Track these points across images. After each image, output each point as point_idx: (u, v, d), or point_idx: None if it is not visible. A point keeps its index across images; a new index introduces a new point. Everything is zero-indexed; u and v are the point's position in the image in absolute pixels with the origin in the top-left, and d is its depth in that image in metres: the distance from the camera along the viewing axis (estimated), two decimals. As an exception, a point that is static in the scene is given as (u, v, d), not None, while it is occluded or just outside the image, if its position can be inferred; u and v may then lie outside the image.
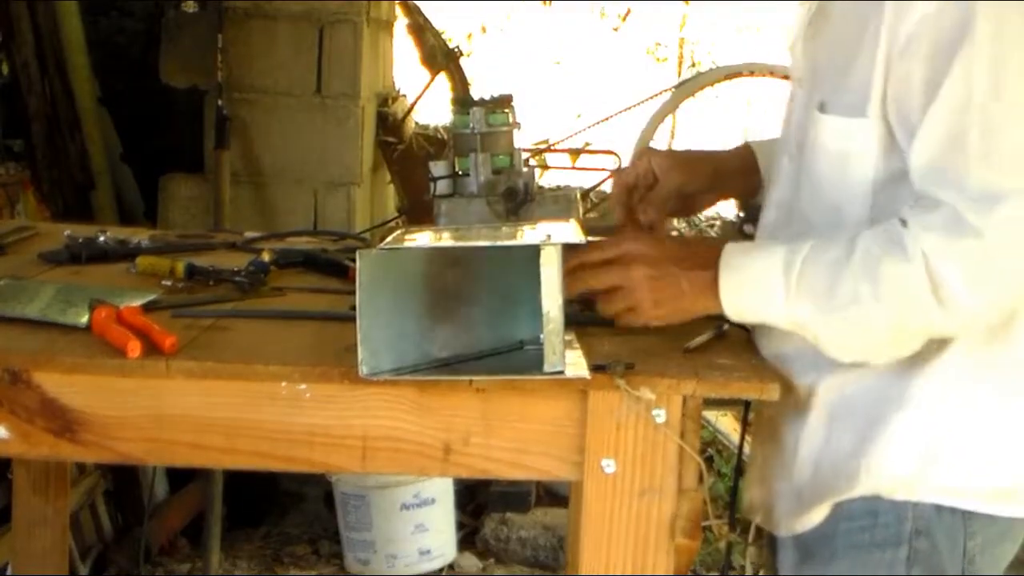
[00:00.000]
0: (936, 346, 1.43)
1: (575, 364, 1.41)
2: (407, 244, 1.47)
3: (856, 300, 1.37)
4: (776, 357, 1.52)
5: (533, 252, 1.39)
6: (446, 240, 1.59)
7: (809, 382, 1.51)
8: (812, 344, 1.44)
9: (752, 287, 1.43)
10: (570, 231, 1.47)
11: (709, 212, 6.34)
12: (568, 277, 1.43)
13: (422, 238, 1.57)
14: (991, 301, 1.36)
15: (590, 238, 1.51)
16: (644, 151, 1.81)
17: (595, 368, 1.40)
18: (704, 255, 1.47)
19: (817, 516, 1.50)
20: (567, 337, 1.42)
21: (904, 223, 1.37)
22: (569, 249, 1.42)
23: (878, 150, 1.43)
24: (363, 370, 1.37)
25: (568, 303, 1.42)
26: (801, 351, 1.48)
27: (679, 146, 7.67)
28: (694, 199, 1.78)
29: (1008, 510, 1.48)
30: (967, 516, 1.46)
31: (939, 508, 1.46)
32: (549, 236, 1.41)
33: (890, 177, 1.43)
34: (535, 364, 1.40)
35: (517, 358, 1.48)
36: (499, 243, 1.51)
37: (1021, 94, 1.34)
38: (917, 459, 1.45)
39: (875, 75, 1.40)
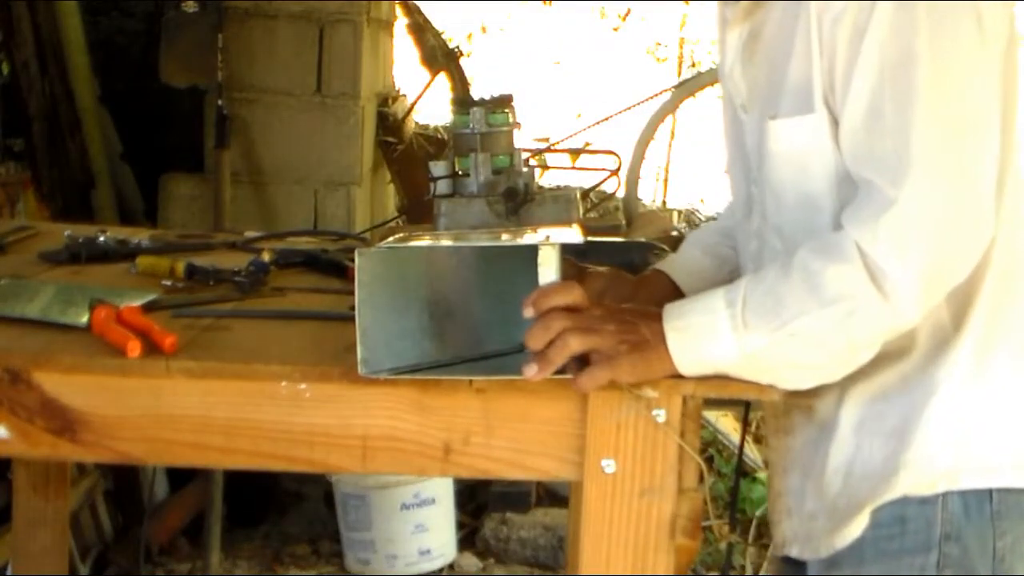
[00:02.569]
0: (951, 330, 1.44)
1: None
2: (406, 244, 1.47)
3: (803, 312, 1.35)
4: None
5: (532, 254, 1.39)
6: (445, 241, 1.59)
7: (833, 399, 1.50)
8: (770, 383, 1.40)
9: (699, 330, 1.38)
10: (569, 233, 1.47)
11: (709, 212, 6.35)
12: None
13: (427, 239, 1.57)
14: (921, 272, 1.33)
15: (589, 238, 1.51)
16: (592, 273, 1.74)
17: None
18: (654, 313, 1.41)
19: (857, 527, 1.48)
20: None
21: (839, 227, 1.37)
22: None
23: (832, 141, 1.42)
24: (362, 369, 1.37)
25: None
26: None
27: (677, 148, 7.68)
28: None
29: None
30: (996, 515, 1.45)
31: (967, 509, 1.45)
32: (548, 237, 1.41)
33: (846, 171, 1.43)
34: None
35: (516, 359, 1.48)
36: (495, 243, 1.51)
37: (931, 59, 1.33)
38: (954, 446, 1.44)
39: (813, 69, 1.41)
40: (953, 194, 1.34)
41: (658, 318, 1.39)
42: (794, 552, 1.58)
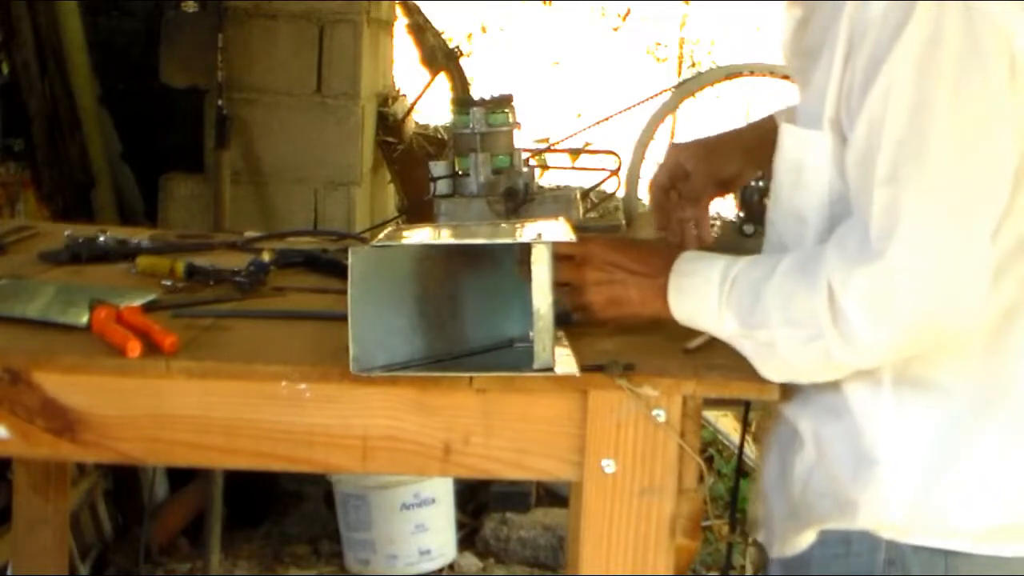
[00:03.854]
0: (935, 378, 1.36)
1: (565, 361, 1.42)
2: (398, 241, 1.48)
3: (766, 324, 1.35)
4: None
5: (524, 250, 1.39)
6: (439, 237, 1.59)
7: (795, 406, 1.47)
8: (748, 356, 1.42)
9: (693, 293, 1.43)
10: (561, 230, 1.47)
11: (709, 212, 6.35)
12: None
13: (417, 235, 1.57)
14: (892, 332, 1.28)
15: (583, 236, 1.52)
16: (671, 147, 1.77)
17: (595, 368, 1.40)
18: (658, 263, 1.47)
19: (804, 541, 1.46)
20: (557, 335, 1.42)
21: (831, 241, 1.33)
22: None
23: (831, 164, 1.38)
24: (354, 366, 1.37)
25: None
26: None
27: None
28: (730, 182, 1.76)
29: (1006, 549, 1.37)
30: (949, 554, 1.38)
31: (916, 549, 1.38)
32: (540, 234, 1.42)
33: (846, 194, 1.37)
34: (525, 361, 1.40)
35: (507, 355, 1.49)
36: (488, 241, 1.51)
37: (943, 106, 1.25)
38: (912, 502, 1.37)
39: (830, 86, 1.35)
40: (945, 258, 1.25)
41: (659, 270, 1.45)
42: (760, 537, 1.58)
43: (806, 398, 1.45)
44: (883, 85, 1.27)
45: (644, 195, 3.93)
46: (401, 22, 4.57)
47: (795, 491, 1.48)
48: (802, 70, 1.47)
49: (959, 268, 1.26)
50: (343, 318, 1.38)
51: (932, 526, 1.38)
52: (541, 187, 3.75)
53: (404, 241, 1.49)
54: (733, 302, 1.39)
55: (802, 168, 1.43)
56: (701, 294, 1.42)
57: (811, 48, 1.43)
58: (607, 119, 4.19)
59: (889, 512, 1.38)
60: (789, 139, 1.45)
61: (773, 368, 1.40)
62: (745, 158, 1.73)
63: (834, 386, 1.40)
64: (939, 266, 1.25)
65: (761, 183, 1.86)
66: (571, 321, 1.53)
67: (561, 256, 1.47)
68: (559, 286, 1.46)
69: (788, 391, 1.45)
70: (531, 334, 1.40)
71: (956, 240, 1.25)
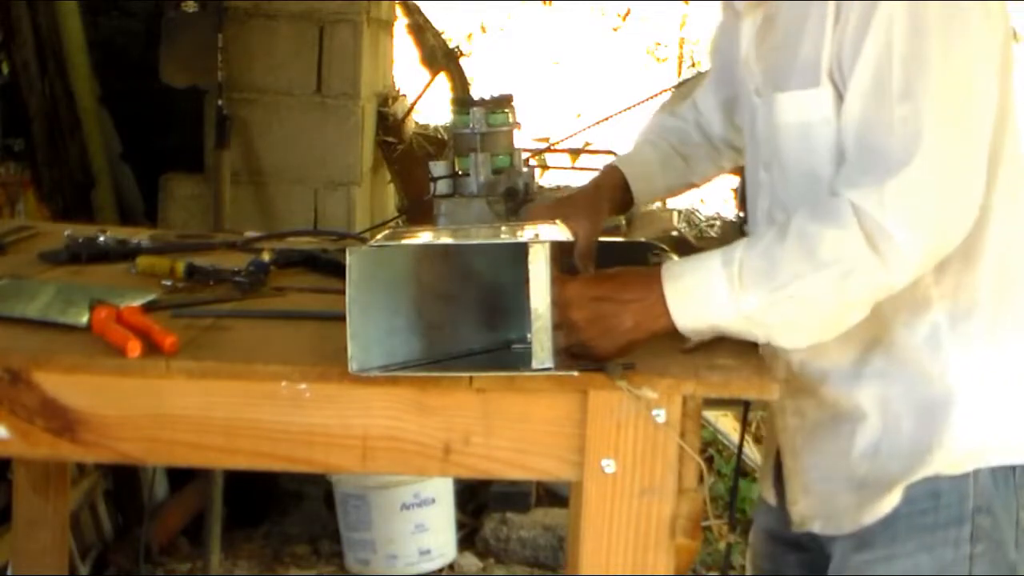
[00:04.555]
0: (963, 311, 1.49)
1: (563, 362, 1.42)
2: (397, 242, 1.48)
3: (798, 275, 1.39)
4: (811, 370, 1.57)
5: (521, 251, 1.39)
6: (438, 238, 1.60)
7: (846, 383, 1.55)
8: (765, 341, 1.46)
9: (696, 291, 1.43)
10: (558, 232, 1.48)
11: (709, 212, 6.35)
12: None
13: (420, 236, 1.57)
14: (925, 236, 1.38)
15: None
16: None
17: (595, 368, 1.40)
18: (641, 283, 1.46)
19: (887, 504, 1.53)
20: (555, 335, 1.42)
21: (832, 187, 1.41)
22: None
23: (835, 114, 1.46)
24: (352, 366, 1.37)
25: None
26: (835, 362, 1.54)
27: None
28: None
29: None
30: (1019, 487, 1.51)
31: (996, 482, 1.51)
32: (537, 235, 1.42)
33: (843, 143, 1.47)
34: (523, 362, 1.40)
35: (505, 356, 1.49)
36: (486, 241, 1.51)
37: (940, 28, 1.38)
38: (981, 426, 1.50)
39: (824, 42, 1.45)
40: (958, 165, 1.39)
41: (651, 285, 1.44)
42: (816, 528, 1.62)
43: (857, 374, 1.53)
44: (883, 17, 1.38)
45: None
46: (401, 22, 4.57)
47: (862, 467, 1.54)
48: (776, 65, 1.54)
49: (970, 174, 1.40)
50: (343, 318, 1.38)
51: (1001, 445, 1.51)
52: (541, 187, 3.75)
53: (402, 242, 1.49)
54: (748, 278, 1.40)
55: (809, 126, 1.49)
56: (706, 288, 1.42)
57: (785, 35, 1.52)
58: (607, 119, 4.19)
59: (964, 445, 1.49)
60: (789, 105, 1.51)
61: (804, 329, 1.44)
62: (610, 209, 1.81)
63: (887, 349, 1.50)
64: (957, 171, 1.39)
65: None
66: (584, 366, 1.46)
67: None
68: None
69: (817, 379, 1.54)
70: (529, 335, 1.40)
71: (967, 148, 1.40)
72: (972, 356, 1.50)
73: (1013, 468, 1.52)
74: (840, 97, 1.44)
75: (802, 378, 1.57)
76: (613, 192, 1.80)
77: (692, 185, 1.96)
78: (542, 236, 1.41)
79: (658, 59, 8.88)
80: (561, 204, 1.77)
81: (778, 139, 1.54)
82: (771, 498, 1.75)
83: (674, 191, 2.00)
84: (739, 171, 1.92)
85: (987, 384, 1.50)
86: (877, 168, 1.38)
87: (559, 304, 1.43)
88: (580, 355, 1.44)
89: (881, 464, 1.53)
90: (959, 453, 1.50)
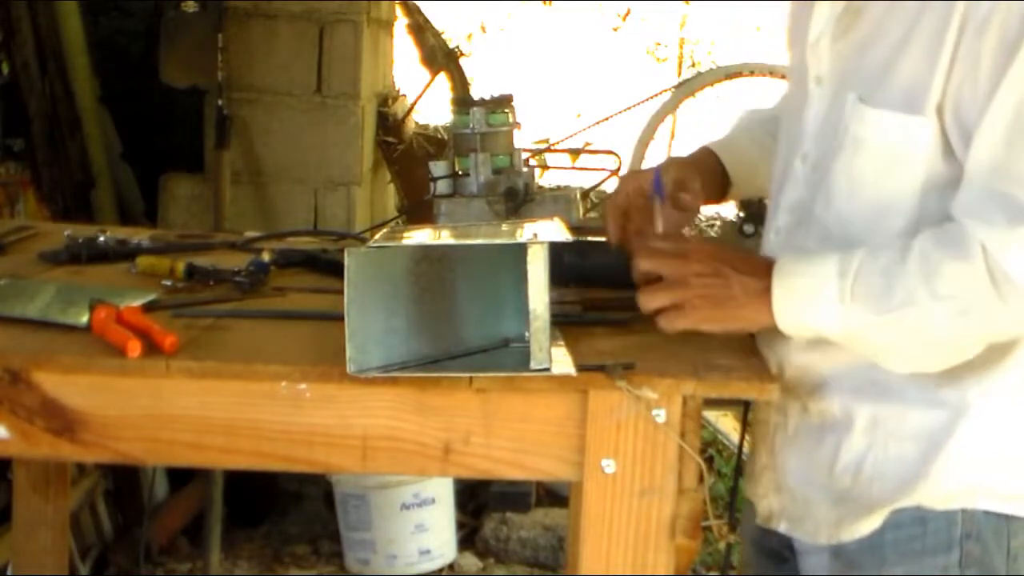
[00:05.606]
0: (996, 356, 1.42)
1: (561, 361, 1.42)
2: (395, 242, 1.48)
3: (913, 302, 1.35)
4: (810, 374, 1.52)
5: (519, 250, 1.39)
6: (437, 238, 1.60)
7: (839, 395, 1.50)
8: (864, 357, 1.43)
9: (805, 294, 1.40)
10: (557, 231, 1.48)
11: (709, 212, 6.34)
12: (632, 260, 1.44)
13: (418, 236, 1.57)
14: None
15: (592, 238, 1.52)
16: (629, 174, 1.77)
17: (595, 368, 1.40)
18: (760, 264, 1.45)
19: (868, 525, 1.49)
20: (554, 335, 1.42)
21: (961, 223, 1.35)
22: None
23: (934, 150, 1.40)
24: (351, 367, 1.37)
25: (572, 304, 1.41)
26: (839, 370, 1.49)
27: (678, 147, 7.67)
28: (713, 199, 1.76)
29: None
30: (1010, 518, 1.46)
31: (987, 513, 1.46)
32: (536, 235, 1.42)
33: (942, 181, 1.41)
34: (522, 361, 1.40)
35: (504, 356, 1.49)
36: (484, 241, 1.51)
37: None
38: (976, 470, 1.44)
39: (936, 73, 1.37)
40: None
41: (762, 272, 1.42)
42: (781, 527, 1.59)
43: (857, 387, 1.48)
44: (1022, 64, 1.31)
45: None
46: (401, 22, 4.57)
47: (844, 480, 1.50)
48: (858, 67, 1.46)
49: None
50: (343, 318, 1.38)
51: (995, 492, 1.45)
52: (541, 187, 3.75)
53: (401, 242, 1.49)
54: (861, 293, 1.37)
55: (894, 151, 1.42)
56: (817, 292, 1.39)
57: (875, 34, 1.44)
58: (607, 119, 4.20)
59: (955, 481, 1.44)
60: (884, 123, 1.42)
61: (910, 356, 1.41)
62: (706, 184, 1.73)
63: (883, 374, 1.45)
64: None
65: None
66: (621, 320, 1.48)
67: (656, 252, 1.46)
68: (652, 283, 1.44)
69: (812, 384, 1.49)
70: (527, 334, 1.40)
71: None
72: (990, 396, 1.44)
73: (1005, 516, 1.46)
74: (943, 132, 1.38)
75: (795, 380, 1.53)
76: (712, 177, 1.73)
77: None
78: (540, 236, 1.41)
79: (658, 59, 8.87)
80: (683, 164, 1.71)
81: (851, 149, 1.46)
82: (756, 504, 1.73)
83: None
84: None
85: (994, 426, 1.44)
86: (1007, 212, 1.32)
87: (679, 254, 1.44)
88: (663, 312, 1.43)
89: (864, 483, 1.49)
90: (947, 489, 1.45)
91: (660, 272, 1.45)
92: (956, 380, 1.43)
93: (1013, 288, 1.32)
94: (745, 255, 1.48)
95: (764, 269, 1.43)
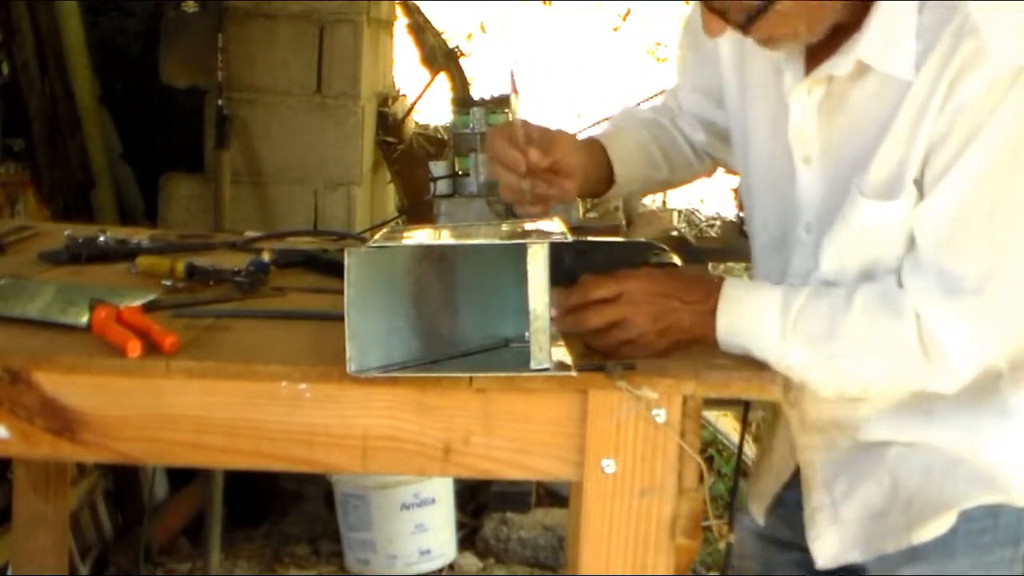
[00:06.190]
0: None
1: (561, 362, 1.42)
2: (395, 242, 1.48)
3: (848, 353, 1.43)
4: (847, 417, 1.57)
5: (519, 251, 1.39)
6: (437, 238, 1.59)
7: (897, 423, 1.56)
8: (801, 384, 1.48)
9: (748, 321, 1.46)
10: (558, 230, 1.48)
11: (709, 212, 6.35)
12: (567, 317, 1.45)
13: (418, 236, 1.57)
14: (979, 357, 1.43)
15: (590, 238, 1.52)
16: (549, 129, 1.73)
17: (595, 368, 1.40)
18: (701, 287, 1.49)
19: (941, 525, 1.54)
20: (553, 335, 1.42)
21: (900, 283, 1.43)
22: (564, 289, 1.45)
23: (910, 221, 1.46)
24: (351, 367, 1.37)
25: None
26: (879, 407, 1.55)
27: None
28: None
29: None
30: None
31: None
32: (536, 235, 1.42)
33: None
34: (521, 362, 1.40)
35: (503, 356, 1.49)
36: (484, 242, 1.51)
37: None
38: None
39: (912, 152, 1.43)
40: (1018, 298, 1.43)
41: (709, 293, 1.47)
42: (855, 558, 1.62)
43: (902, 414, 1.54)
44: (984, 145, 1.38)
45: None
46: (401, 22, 4.57)
47: (910, 485, 1.55)
48: (850, 142, 1.51)
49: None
50: (343, 318, 1.38)
51: None
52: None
53: (401, 242, 1.49)
54: (801, 333, 1.44)
55: (881, 235, 1.48)
56: (758, 322, 1.45)
57: (859, 121, 1.49)
58: (607, 119, 4.19)
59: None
60: (867, 212, 1.48)
61: (843, 390, 1.49)
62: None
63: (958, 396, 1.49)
64: (1016, 302, 1.43)
65: None
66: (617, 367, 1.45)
67: (598, 300, 1.46)
68: (601, 330, 1.45)
69: (858, 420, 1.56)
70: (527, 335, 1.40)
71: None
72: None
73: None
74: (920, 194, 1.44)
75: (838, 420, 1.58)
76: (599, 169, 1.76)
77: (668, 185, 1.95)
78: (540, 236, 1.41)
79: (658, 59, 8.87)
80: (556, 137, 1.69)
81: (848, 233, 1.51)
82: (760, 519, 1.76)
83: (649, 187, 1.98)
84: (736, 171, 1.91)
85: None
86: (947, 283, 1.41)
87: (619, 298, 1.45)
88: (617, 354, 1.45)
89: (936, 485, 1.54)
90: (1018, 485, 1.53)
91: (610, 320, 1.46)
92: (991, 392, 1.51)
93: (941, 356, 1.41)
94: (685, 281, 1.51)
95: (712, 290, 1.48)
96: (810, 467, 1.64)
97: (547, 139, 1.65)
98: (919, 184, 1.44)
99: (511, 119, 1.70)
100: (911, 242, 1.46)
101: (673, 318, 1.46)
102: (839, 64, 1.48)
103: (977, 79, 1.37)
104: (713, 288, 1.48)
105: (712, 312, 1.46)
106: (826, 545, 1.63)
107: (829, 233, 1.52)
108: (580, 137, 1.77)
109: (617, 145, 1.79)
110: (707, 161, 1.88)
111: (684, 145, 1.87)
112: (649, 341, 1.46)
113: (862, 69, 1.47)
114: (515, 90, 1.58)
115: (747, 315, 1.46)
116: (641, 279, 1.48)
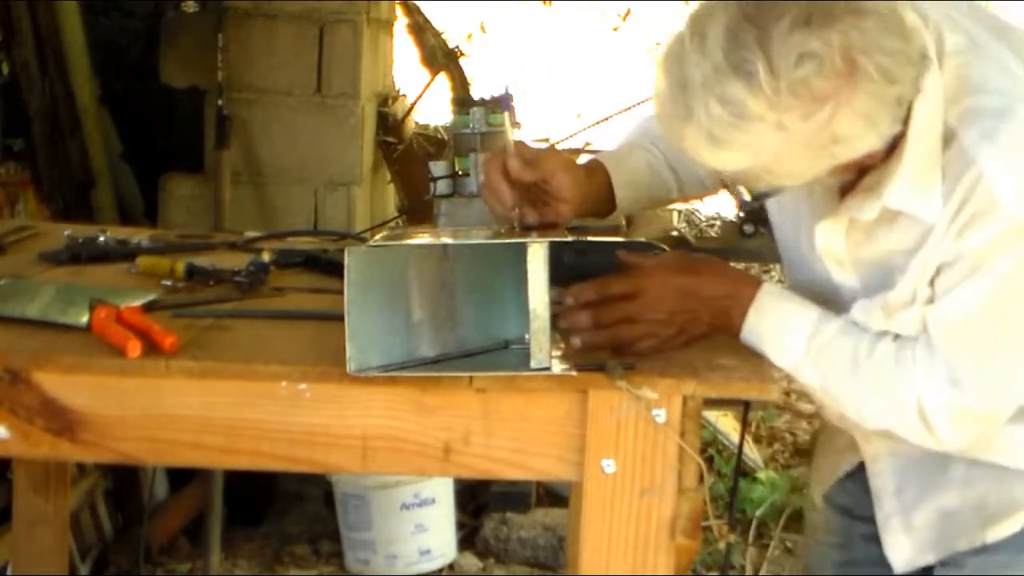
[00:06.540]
0: None
1: (561, 361, 1.42)
2: (395, 242, 1.48)
3: (854, 394, 1.49)
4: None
5: (519, 251, 1.39)
6: (437, 238, 1.59)
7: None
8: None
9: (774, 333, 1.49)
10: (557, 232, 1.48)
11: (709, 212, 6.34)
12: (580, 313, 1.44)
13: (415, 236, 1.57)
14: (968, 437, 1.49)
15: (589, 238, 1.52)
16: (549, 152, 1.71)
17: (595, 368, 1.40)
18: (729, 282, 1.51)
19: (1016, 523, 1.57)
20: (553, 335, 1.42)
21: (914, 355, 1.46)
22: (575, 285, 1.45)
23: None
24: (351, 367, 1.37)
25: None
26: None
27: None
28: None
29: None
30: None
31: None
32: (536, 235, 1.42)
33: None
34: (522, 362, 1.40)
35: (503, 356, 1.49)
36: (484, 241, 1.51)
37: (1019, 305, 1.43)
38: None
39: (921, 281, 1.46)
40: (1006, 395, 1.49)
41: (739, 285, 1.50)
42: (931, 559, 1.64)
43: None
44: (987, 282, 1.41)
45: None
46: (401, 22, 4.57)
47: (981, 486, 1.58)
48: (874, 267, 1.53)
49: (1010, 401, 1.50)
50: (343, 318, 1.38)
51: None
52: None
53: (398, 242, 1.49)
54: (820, 363, 1.48)
55: (904, 326, 1.51)
56: (784, 338, 1.49)
57: (882, 255, 1.51)
58: (607, 119, 4.19)
59: None
60: (898, 317, 1.51)
61: (834, 410, 1.55)
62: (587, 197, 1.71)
63: None
64: (1003, 401, 1.49)
65: None
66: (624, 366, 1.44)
67: (617, 296, 1.46)
68: (612, 324, 1.45)
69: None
70: (527, 335, 1.40)
71: (1012, 387, 1.49)
72: None
73: None
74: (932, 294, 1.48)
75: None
76: (599, 192, 1.72)
77: (678, 200, 1.92)
78: (540, 236, 1.41)
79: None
80: (549, 158, 1.65)
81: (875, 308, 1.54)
82: (819, 503, 1.82)
83: (658, 204, 1.98)
84: None
85: None
86: (943, 373, 1.45)
87: (634, 293, 1.45)
88: (632, 350, 1.45)
89: (1008, 486, 1.56)
90: None
91: (623, 316, 1.46)
92: None
93: (934, 429, 1.47)
94: (715, 272, 1.52)
95: (742, 286, 1.50)
96: (879, 476, 1.67)
97: (536, 158, 1.62)
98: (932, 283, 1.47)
99: (505, 143, 1.68)
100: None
101: (691, 316, 1.48)
102: (865, 208, 1.47)
103: (989, 229, 1.39)
104: (744, 286, 1.50)
105: (739, 315, 1.49)
106: (901, 552, 1.66)
107: (861, 299, 1.54)
108: (586, 138, 1.77)
109: (624, 168, 1.75)
110: (719, 181, 1.86)
111: (696, 165, 1.84)
112: (668, 337, 1.47)
113: (889, 213, 1.47)
114: (511, 109, 1.57)
115: (775, 327, 1.49)
116: (658, 273, 1.49)
